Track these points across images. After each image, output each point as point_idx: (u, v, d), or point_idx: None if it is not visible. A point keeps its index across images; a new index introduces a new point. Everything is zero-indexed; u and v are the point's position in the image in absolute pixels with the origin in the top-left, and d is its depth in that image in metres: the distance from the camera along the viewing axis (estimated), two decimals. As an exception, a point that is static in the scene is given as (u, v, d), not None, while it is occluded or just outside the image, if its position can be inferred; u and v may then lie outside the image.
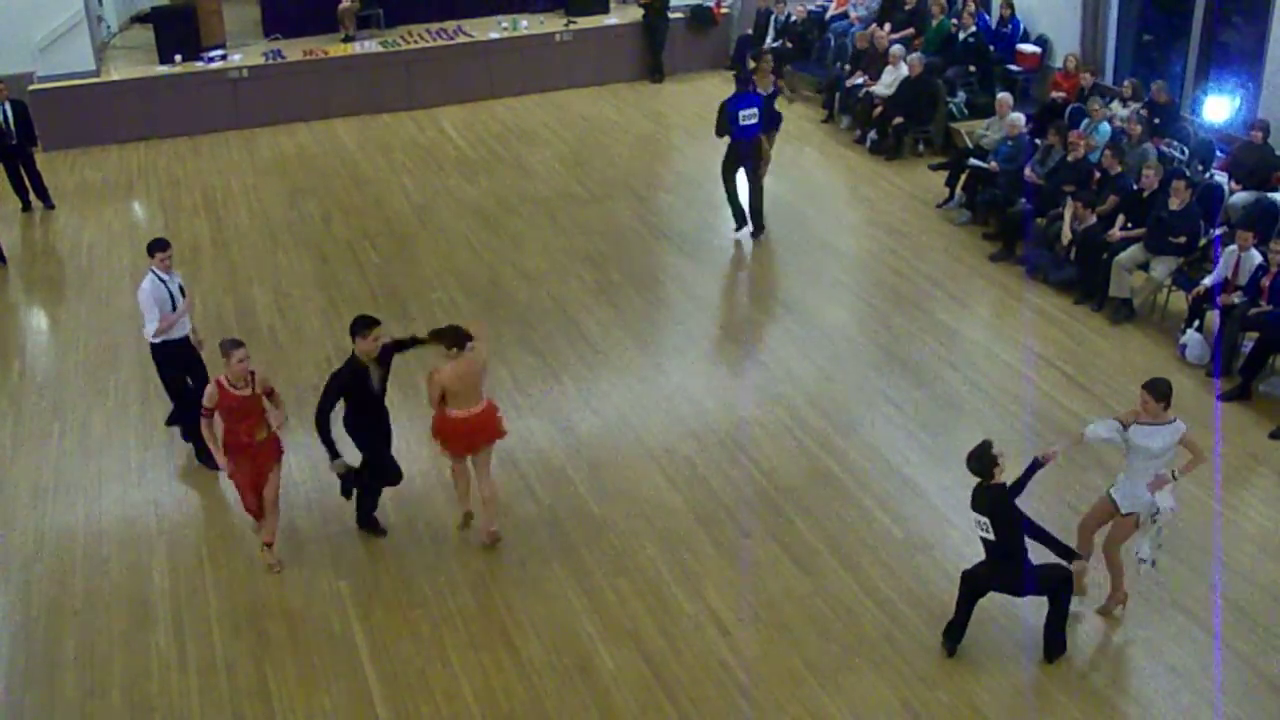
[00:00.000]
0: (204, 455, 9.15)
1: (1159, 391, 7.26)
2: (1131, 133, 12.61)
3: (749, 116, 12.57)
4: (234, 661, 7.51)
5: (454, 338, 7.84)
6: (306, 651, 7.59)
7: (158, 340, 9.06)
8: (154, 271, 8.99)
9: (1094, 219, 11.69)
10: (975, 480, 7.13)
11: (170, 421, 9.74)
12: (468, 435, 8.08)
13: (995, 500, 6.96)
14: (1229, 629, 7.59)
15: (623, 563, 8.30)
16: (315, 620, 7.84)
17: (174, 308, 9.02)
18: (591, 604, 7.92)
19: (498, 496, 8.41)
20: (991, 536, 7.02)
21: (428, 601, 7.97)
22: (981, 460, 7.01)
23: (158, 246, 9.11)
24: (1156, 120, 13.07)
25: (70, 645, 7.70)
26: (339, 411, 8.10)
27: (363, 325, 7.90)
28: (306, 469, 9.38)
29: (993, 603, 7.85)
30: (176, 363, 9.24)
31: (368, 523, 8.63)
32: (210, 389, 7.89)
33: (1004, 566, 7.14)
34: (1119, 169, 12.07)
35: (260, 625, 7.81)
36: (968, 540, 8.40)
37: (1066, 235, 11.76)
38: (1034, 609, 7.78)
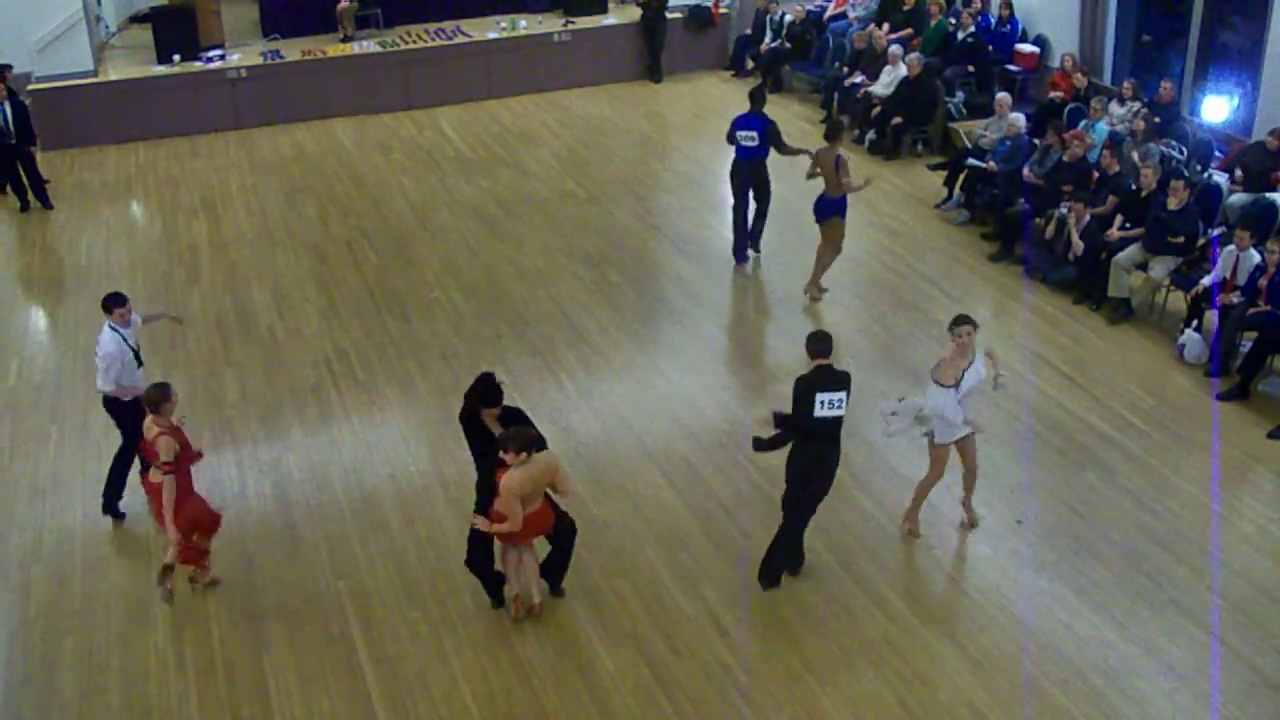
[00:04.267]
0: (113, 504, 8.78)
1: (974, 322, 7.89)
2: (1136, 129, 12.59)
3: (747, 138, 12.18)
4: (232, 662, 7.51)
5: (523, 442, 7.10)
6: (305, 652, 7.59)
7: (113, 396, 8.44)
8: (111, 326, 8.37)
9: (1089, 217, 11.67)
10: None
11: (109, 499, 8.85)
12: (524, 533, 7.44)
13: (848, 380, 7.56)
14: (1227, 628, 7.60)
15: (621, 563, 8.30)
16: (314, 620, 7.84)
17: (140, 361, 8.53)
18: (590, 604, 7.92)
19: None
20: (842, 412, 7.50)
21: (426, 602, 7.97)
22: (828, 342, 7.57)
23: (115, 302, 8.41)
24: (1157, 119, 13.08)
25: (69, 645, 7.70)
26: None
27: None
28: (305, 469, 9.38)
29: (991, 602, 7.86)
30: (133, 414, 8.27)
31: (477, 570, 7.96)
32: (169, 441, 7.40)
33: (836, 451, 7.71)
34: (1117, 169, 12.08)
35: (259, 626, 7.80)
36: (966, 539, 8.43)
37: (1079, 246, 11.63)
38: (1033, 608, 7.79)
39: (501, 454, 7.12)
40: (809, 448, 7.61)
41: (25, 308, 12.54)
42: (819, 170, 11.54)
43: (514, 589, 7.70)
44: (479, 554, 7.69)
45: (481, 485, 7.62)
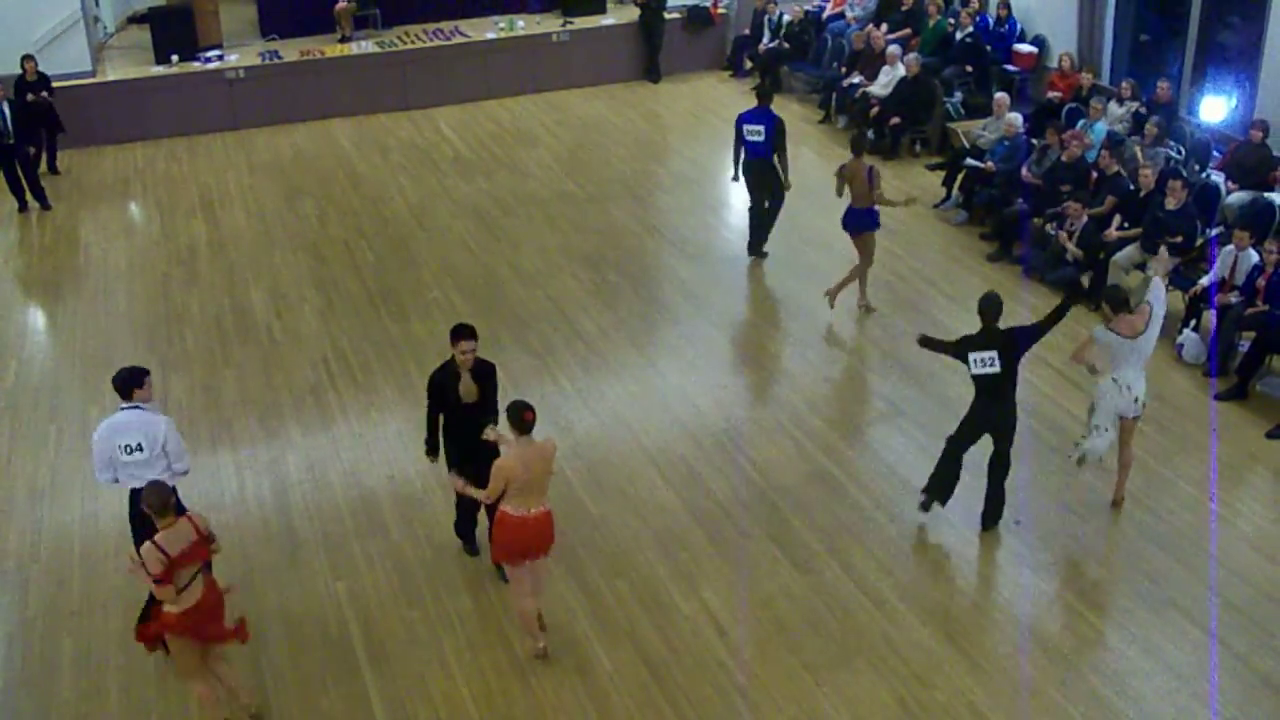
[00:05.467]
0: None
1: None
2: (1148, 134, 12.56)
3: (754, 133, 12.10)
4: (232, 662, 7.48)
5: (518, 419, 6.92)
6: (304, 653, 7.59)
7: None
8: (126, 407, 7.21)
9: (1086, 218, 11.68)
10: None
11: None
12: (523, 540, 7.04)
13: (1008, 339, 8.13)
14: (1225, 628, 7.60)
15: (620, 563, 8.30)
16: (313, 622, 7.84)
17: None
18: (589, 604, 7.92)
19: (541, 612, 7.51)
20: (996, 370, 8.06)
21: (425, 603, 7.97)
22: (997, 304, 8.19)
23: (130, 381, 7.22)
24: (1156, 119, 13.06)
25: (68, 646, 7.69)
26: None
27: (452, 334, 7.65)
28: (304, 469, 9.38)
29: (991, 602, 7.87)
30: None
31: (459, 532, 8.40)
32: (151, 554, 6.29)
33: (1001, 406, 8.21)
34: (1116, 169, 12.08)
35: (258, 627, 7.78)
36: (965, 539, 8.44)
37: (1074, 252, 11.63)
38: (1033, 608, 7.80)
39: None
40: (974, 400, 8.33)
41: (24, 308, 12.54)
42: (847, 184, 11.27)
43: (535, 638, 7.44)
44: (463, 518, 8.26)
45: (453, 450, 7.81)
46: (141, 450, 7.12)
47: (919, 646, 7.51)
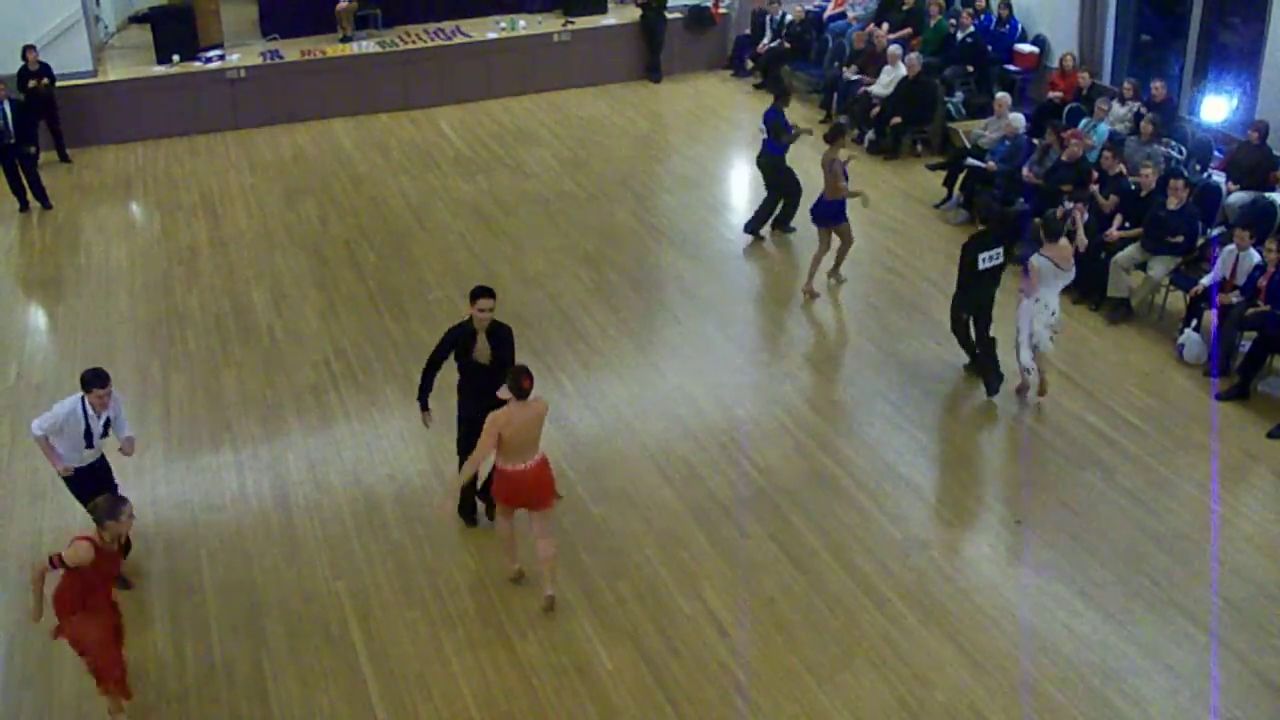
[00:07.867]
0: None
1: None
2: (1144, 132, 12.57)
3: (762, 131, 12.86)
4: (232, 662, 7.51)
5: (516, 386, 7.30)
6: (304, 652, 7.59)
7: (65, 475, 7.87)
8: (84, 401, 7.68)
9: (1086, 217, 11.65)
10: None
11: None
12: (518, 489, 7.54)
13: (1005, 238, 9.81)
14: (1226, 628, 7.60)
15: (621, 563, 8.30)
16: (313, 620, 7.84)
17: (89, 444, 7.78)
18: (590, 604, 7.92)
19: (556, 559, 7.87)
20: (1001, 261, 9.68)
21: (426, 602, 7.98)
22: (994, 211, 10.07)
23: (95, 383, 7.65)
24: (1152, 117, 13.07)
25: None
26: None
27: (472, 294, 7.97)
28: (304, 469, 9.38)
29: (991, 602, 7.87)
30: (88, 488, 7.72)
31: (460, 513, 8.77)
32: (82, 548, 6.48)
33: (994, 288, 9.86)
34: (1118, 169, 12.08)
35: (258, 625, 7.80)
36: (965, 539, 8.44)
37: (1083, 242, 11.61)
38: (1033, 608, 7.80)
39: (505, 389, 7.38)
40: (973, 293, 9.76)
41: (25, 308, 12.54)
42: (823, 171, 11.68)
43: (510, 563, 8.10)
44: (463, 502, 8.59)
45: (466, 410, 8.15)
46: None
47: (919, 646, 7.51)
